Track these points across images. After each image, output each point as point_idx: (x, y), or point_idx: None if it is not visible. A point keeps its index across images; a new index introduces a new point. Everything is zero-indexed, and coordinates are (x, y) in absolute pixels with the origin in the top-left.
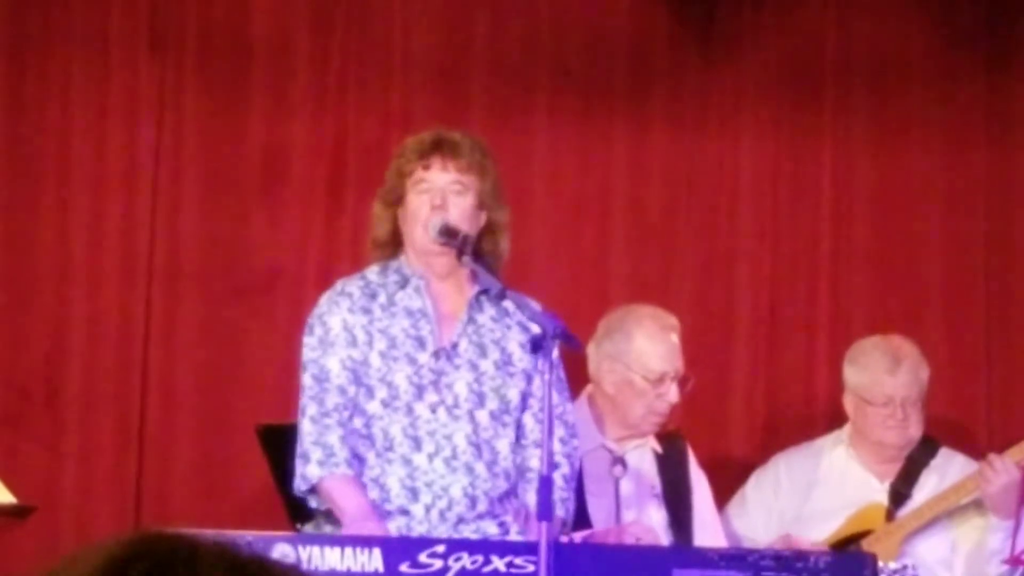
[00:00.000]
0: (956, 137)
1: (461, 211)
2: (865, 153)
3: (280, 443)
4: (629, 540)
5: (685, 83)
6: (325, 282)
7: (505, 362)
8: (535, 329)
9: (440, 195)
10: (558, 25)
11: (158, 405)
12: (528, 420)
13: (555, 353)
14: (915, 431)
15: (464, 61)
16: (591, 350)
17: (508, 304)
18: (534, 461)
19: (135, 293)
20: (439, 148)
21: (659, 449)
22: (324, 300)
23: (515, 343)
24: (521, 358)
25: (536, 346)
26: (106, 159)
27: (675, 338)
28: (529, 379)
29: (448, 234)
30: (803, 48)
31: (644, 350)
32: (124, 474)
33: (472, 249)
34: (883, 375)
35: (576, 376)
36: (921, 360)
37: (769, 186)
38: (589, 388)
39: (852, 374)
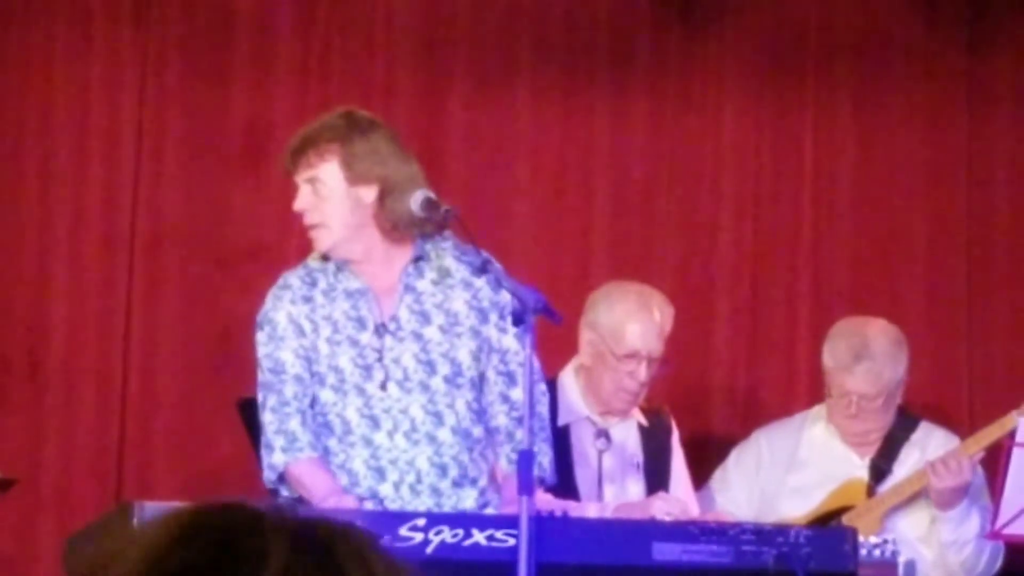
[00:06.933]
0: (938, 112)
1: (324, 202)
2: (847, 128)
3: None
4: (659, 516)
5: (667, 58)
6: (307, 254)
7: (451, 324)
8: (482, 289)
9: (300, 199)
10: (540, 0)
11: (140, 377)
12: (489, 374)
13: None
14: (873, 424)
15: (447, 35)
16: (581, 320)
17: (449, 264)
18: (501, 418)
19: (117, 265)
20: (293, 154)
21: (645, 422)
22: (269, 297)
23: (460, 302)
24: (467, 315)
25: (517, 320)
26: (89, 132)
27: (659, 318)
28: (479, 335)
29: (431, 208)
30: (785, 23)
31: (619, 325)
32: (106, 446)
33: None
34: (842, 369)
35: (558, 350)
36: (890, 357)
37: (751, 161)
38: (576, 360)
39: (825, 353)
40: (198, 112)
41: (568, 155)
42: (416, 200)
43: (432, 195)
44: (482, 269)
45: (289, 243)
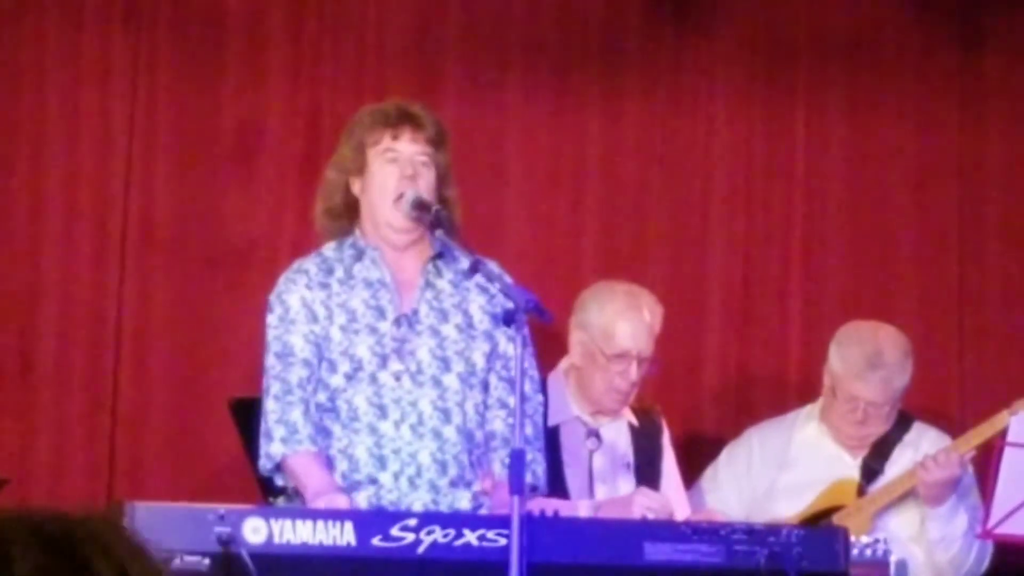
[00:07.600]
0: (929, 112)
1: (428, 184)
2: (838, 128)
3: (252, 416)
4: (638, 513)
5: (658, 57)
6: (299, 255)
7: (467, 325)
8: (497, 295)
9: (411, 166)
10: (531, 0)
11: (131, 378)
12: (492, 379)
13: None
14: (875, 429)
15: (438, 36)
16: (571, 320)
17: (466, 267)
18: (497, 423)
19: (109, 266)
20: (408, 119)
21: (635, 422)
22: (282, 280)
23: (476, 305)
24: (482, 320)
25: (508, 320)
26: (79, 132)
27: (648, 318)
28: (492, 339)
29: (421, 208)
30: (777, 22)
31: (609, 324)
32: (97, 447)
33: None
34: (853, 376)
35: (548, 351)
36: (901, 366)
37: (742, 160)
38: (567, 360)
39: (833, 357)
40: (189, 113)
41: (559, 155)
42: (407, 200)
43: (423, 195)
44: (472, 269)
45: (281, 243)
